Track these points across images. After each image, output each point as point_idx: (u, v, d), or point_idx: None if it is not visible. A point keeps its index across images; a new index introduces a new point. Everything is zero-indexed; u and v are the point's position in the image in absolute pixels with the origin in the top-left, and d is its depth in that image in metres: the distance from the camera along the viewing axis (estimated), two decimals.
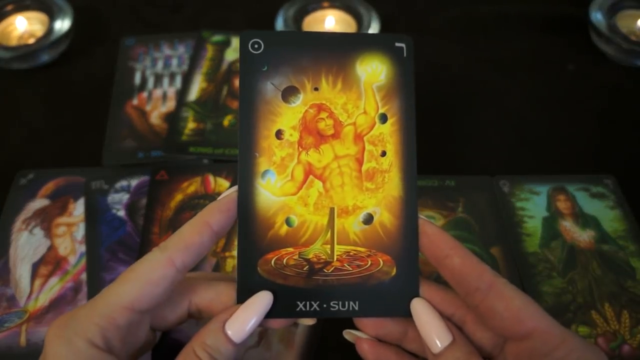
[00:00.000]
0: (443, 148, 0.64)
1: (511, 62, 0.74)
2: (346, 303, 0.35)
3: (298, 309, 0.35)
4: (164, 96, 0.68)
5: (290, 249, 0.35)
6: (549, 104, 0.69)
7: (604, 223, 0.58)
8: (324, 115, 0.36)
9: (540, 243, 0.56)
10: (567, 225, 0.57)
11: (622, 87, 0.71)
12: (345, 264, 0.35)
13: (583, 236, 0.56)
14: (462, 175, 0.61)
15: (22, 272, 0.54)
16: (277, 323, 0.35)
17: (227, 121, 0.66)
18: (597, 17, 0.72)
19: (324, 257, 0.35)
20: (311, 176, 0.35)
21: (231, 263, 0.54)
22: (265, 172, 0.35)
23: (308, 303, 0.35)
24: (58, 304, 0.52)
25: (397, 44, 0.36)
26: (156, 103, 0.68)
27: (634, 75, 0.72)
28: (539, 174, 0.62)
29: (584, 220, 0.58)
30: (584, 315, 0.51)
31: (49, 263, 0.54)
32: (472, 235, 0.56)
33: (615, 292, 0.53)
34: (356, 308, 0.35)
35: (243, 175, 0.35)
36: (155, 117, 0.66)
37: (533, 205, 0.59)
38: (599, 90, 0.71)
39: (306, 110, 0.36)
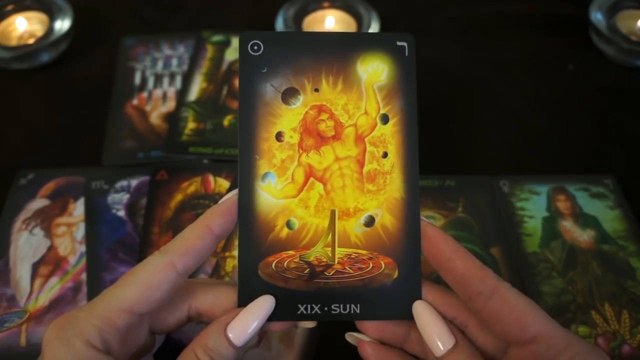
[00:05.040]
0: (443, 148, 0.64)
1: (511, 62, 0.74)
2: (347, 306, 0.35)
3: (299, 312, 0.35)
4: (164, 96, 0.68)
5: (291, 252, 0.35)
6: (549, 104, 0.69)
7: (604, 223, 0.58)
8: (324, 116, 0.35)
9: (540, 243, 0.56)
10: (567, 225, 0.57)
11: (622, 87, 0.71)
12: (346, 267, 0.35)
13: (583, 236, 0.57)
14: (462, 175, 0.61)
15: (22, 272, 0.53)
16: (278, 326, 0.35)
17: (227, 121, 0.66)
18: (597, 17, 0.72)
19: (325, 259, 0.35)
20: (312, 178, 0.35)
21: (231, 263, 0.54)
22: (266, 174, 0.35)
23: (309, 306, 0.35)
24: (58, 304, 0.52)
25: (398, 43, 0.36)
26: (156, 103, 0.68)
27: (634, 75, 0.72)
28: (539, 174, 0.62)
29: (584, 220, 0.58)
30: (584, 315, 0.51)
31: (49, 263, 0.54)
32: (472, 236, 0.56)
33: (615, 292, 0.53)
34: (357, 311, 0.35)
35: (243, 178, 0.35)
36: (155, 117, 0.66)
37: (533, 205, 0.59)
38: (599, 90, 0.71)
39: (306, 112, 0.35)
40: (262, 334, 0.48)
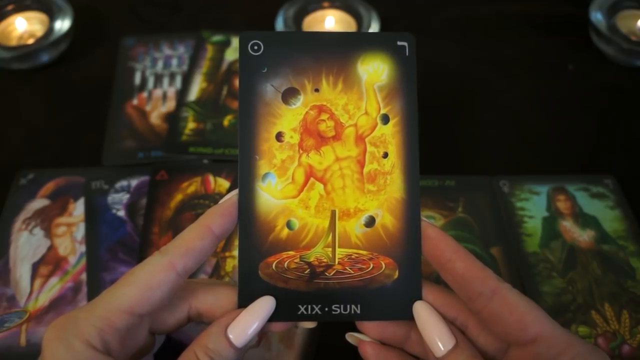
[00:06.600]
0: (443, 148, 0.64)
1: (511, 62, 0.74)
2: (348, 306, 0.35)
3: (299, 313, 0.35)
4: (164, 96, 0.68)
5: (292, 253, 0.35)
6: (549, 104, 0.69)
7: (604, 223, 0.58)
8: (324, 116, 0.35)
9: (540, 243, 0.56)
10: (567, 225, 0.57)
11: (622, 87, 0.71)
12: (346, 267, 0.35)
13: (583, 236, 0.57)
14: (462, 175, 0.61)
15: (22, 272, 0.53)
16: (278, 327, 0.35)
17: (227, 121, 0.66)
18: (597, 17, 0.72)
19: (325, 260, 0.35)
20: (312, 179, 0.35)
21: (231, 263, 0.54)
22: (266, 175, 0.35)
23: (309, 307, 0.35)
24: (58, 304, 0.52)
25: (399, 43, 0.36)
26: (156, 103, 0.68)
27: (634, 75, 0.72)
28: (539, 174, 0.62)
29: (584, 220, 0.58)
30: (584, 315, 0.51)
31: (49, 263, 0.54)
32: (472, 236, 0.56)
33: (615, 292, 0.53)
34: (358, 312, 0.35)
35: (243, 179, 0.35)
36: (155, 117, 0.66)
37: (533, 205, 0.59)
38: (599, 90, 0.71)
39: (307, 112, 0.35)
40: (262, 334, 0.48)
